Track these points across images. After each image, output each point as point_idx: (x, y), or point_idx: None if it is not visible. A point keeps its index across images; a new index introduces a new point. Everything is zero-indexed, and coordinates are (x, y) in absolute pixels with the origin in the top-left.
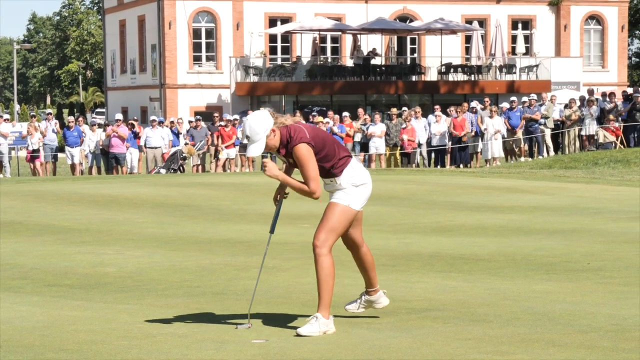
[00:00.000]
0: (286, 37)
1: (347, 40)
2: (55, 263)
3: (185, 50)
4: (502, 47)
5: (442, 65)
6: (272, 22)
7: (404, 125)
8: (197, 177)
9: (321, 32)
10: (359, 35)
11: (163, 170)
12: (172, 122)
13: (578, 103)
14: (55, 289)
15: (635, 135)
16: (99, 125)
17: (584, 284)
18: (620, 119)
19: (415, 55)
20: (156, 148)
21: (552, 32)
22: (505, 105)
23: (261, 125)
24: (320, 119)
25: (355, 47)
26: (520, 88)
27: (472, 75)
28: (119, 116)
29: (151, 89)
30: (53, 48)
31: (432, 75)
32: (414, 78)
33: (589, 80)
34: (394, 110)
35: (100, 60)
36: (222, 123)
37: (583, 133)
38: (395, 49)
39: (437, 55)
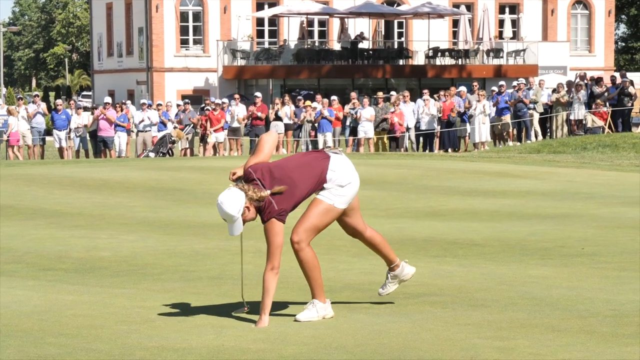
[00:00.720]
0: (273, 20)
1: (335, 24)
2: (49, 247)
3: (172, 34)
4: (490, 31)
5: (429, 49)
6: (260, 6)
7: (392, 109)
8: (187, 161)
9: (308, 16)
10: (346, 19)
11: (152, 154)
12: (159, 105)
13: (566, 87)
14: (50, 273)
15: (623, 120)
16: (85, 109)
17: (579, 269)
18: (608, 103)
19: (403, 39)
20: (146, 132)
21: (539, 16)
22: (494, 89)
23: (233, 207)
24: (308, 102)
25: (343, 30)
26: (508, 72)
27: (460, 60)
28: (108, 99)
29: (138, 72)
30: (39, 31)
31: (419, 60)
32: (401, 62)
33: (576, 65)
34: (380, 94)
35: (86, 43)
36: (211, 107)
37: (571, 117)
38: (383, 33)
39: (424, 39)
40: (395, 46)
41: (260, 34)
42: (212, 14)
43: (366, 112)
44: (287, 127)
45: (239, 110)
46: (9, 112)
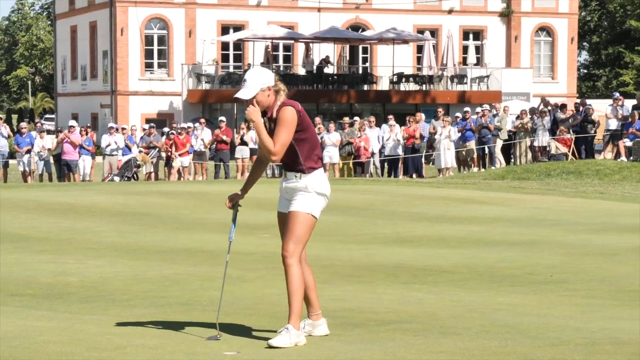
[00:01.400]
0: (238, 44)
1: (300, 49)
2: (16, 272)
3: (137, 57)
4: (454, 57)
5: (394, 75)
6: (225, 30)
7: (358, 134)
8: (154, 185)
9: (274, 40)
10: (311, 44)
11: (117, 178)
12: (124, 129)
13: (529, 114)
14: (18, 298)
15: (586, 147)
16: (48, 132)
17: (548, 296)
18: (572, 130)
19: (367, 64)
20: (112, 156)
21: (503, 43)
22: (458, 115)
23: (261, 76)
24: None
25: (307, 55)
26: (471, 98)
27: (424, 85)
28: (73, 123)
29: (102, 96)
30: (1, 53)
31: (384, 85)
32: (365, 87)
33: (539, 92)
34: (347, 119)
35: (49, 66)
36: (176, 131)
37: (535, 144)
38: (348, 58)
39: (389, 64)
40: (360, 71)
41: (225, 58)
42: (177, 37)
43: (332, 137)
44: (252, 152)
45: (205, 134)
46: None
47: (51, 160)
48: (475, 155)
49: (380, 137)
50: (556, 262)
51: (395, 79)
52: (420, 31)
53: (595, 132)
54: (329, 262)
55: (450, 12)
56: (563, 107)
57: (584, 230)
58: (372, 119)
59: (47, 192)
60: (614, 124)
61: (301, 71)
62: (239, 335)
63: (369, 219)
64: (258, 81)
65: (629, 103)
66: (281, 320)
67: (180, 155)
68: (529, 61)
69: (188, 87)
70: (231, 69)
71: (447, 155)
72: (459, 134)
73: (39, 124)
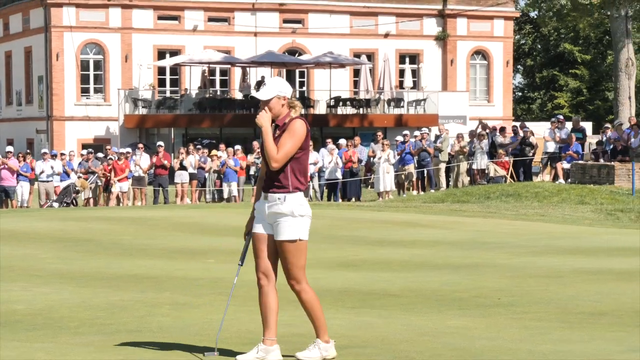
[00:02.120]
0: (175, 69)
1: (237, 73)
2: None
3: (72, 82)
4: (390, 80)
5: (331, 99)
6: (161, 55)
7: None
8: (93, 211)
9: (210, 65)
10: (248, 68)
11: (56, 204)
12: (62, 155)
13: (468, 137)
14: None
15: (524, 169)
16: None
17: (497, 319)
18: (510, 152)
19: (305, 88)
20: (49, 182)
21: (439, 66)
22: (398, 138)
23: (281, 85)
24: (215, 152)
25: (244, 79)
26: (409, 122)
27: (361, 109)
28: (10, 148)
29: (38, 121)
30: None
31: (321, 109)
32: (302, 111)
33: (476, 115)
34: None
35: None
36: (114, 157)
37: (474, 167)
38: None
39: (326, 88)
40: (297, 95)
41: (161, 82)
42: (113, 62)
43: None
44: (192, 177)
45: (143, 159)
46: None
47: None
48: (414, 179)
49: (320, 161)
50: (502, 284)
51: (332, 103)
52: (357, 55)
53: (533, 154)
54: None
55: (386, 36)
56: (502, 130)
57: (526, 253)
58: (310, 143)
59: None
60: (551, 147)
61: (238, 95)
62: None
63: (312, 243)
64: (277, 87)
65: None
66: (231, 346)
67: (119, 180)
68: (465, 84)
69: (125, 112)
70: (168, 94)
71: (386, 178)
72: (398, 157)
73: None
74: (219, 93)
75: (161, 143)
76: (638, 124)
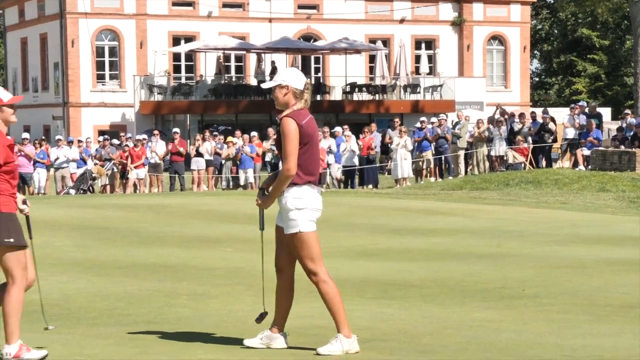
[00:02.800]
0: (190, 55)
1: (252, 60)
2: None
3: (88, 69)
4: (406, 66)
5: (346, 85)
6: (176, 41)
7: None
8: (110, 198)
9: (225, 51)
10: (263, 54)
11: (72, 191)
12: (79, 142)
13: (486, 123)
14: None
15: (544, 156)
16: None
17: (522, 311)
18: (529, 139)
19: (320, 74)
20: (64, 168)
21: (455, 52)
22: (417, 125)
23: (288, 75)
24: (230, 138)
25: (259, 65)
26: (425, 108)
27: (377, 95)
28: (26, 135)
29: (54, 108)
30: None
31: (336, 95)
32: (318, 97)
33: (493, 100)
34: None
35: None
36: (131, 143)
37: (492, 153)
38: (300, 69)
39: (341, 74)
40: (313, 81)
41: (177, 69)
42: (129, 49)
43: None
44: (208, 163)
45: (159, 146)
46: None
47: None
48: (432, 165)
49: (335, 147)
50: (527, 275)
51: (348, 89)
52: (372, 41)
53: (553, 141)
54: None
55: (402, 21)
56: (521, 116)
57: (549, 242)
58: (326, 129)
59: None
60: (571, 133)
61: (253, 82)
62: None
63: (330, 232)
64: (280, 77)
65: None
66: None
67: (135, 167)
68: (481, 70)
69: (140, 98)
70: (183, 80)
71: (403, 165)
72: (415, 144)
73: None
74: (234, 79)
75: (177, 130)
76: None
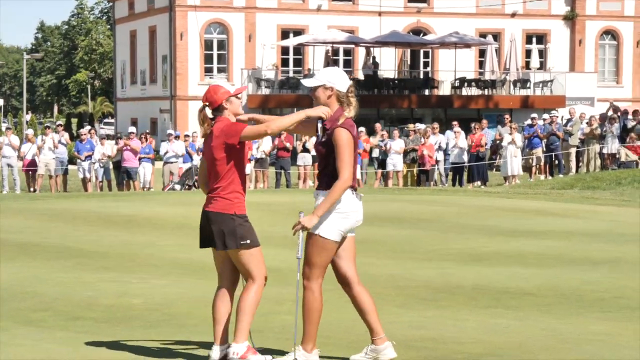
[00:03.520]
0: (298, 49)
1: (360, 53)
2: (78, 292)
3: (196, 62)
4: (517, 61)
5: (455, 80)
6: (285, 34)
7: (422, 141)
8: None
9: (334, 45)
10: (372, 48)
11: (178, 186)
12: (186, 136)
13: (599, 121)
14: (80, 323)
15: None
16: (109, 137)
17: None
18: None
19: (429, 69)
20: (173, 163)
21: (567, 46)
22: (528, 122)
23: (331, 75)
24: None
25: (366, 60)
26: (535, 103)
27: (486, 90)
28: (132, 129)
29: (161, 101)
30: (61, 57)
31: (445, 90)
32: (427, 92)
33: (604, 96)
34: (412, 126)
35: (108, 70)
36: None
37: (604, 151)
38: (409, 62)
39: (450, 69)
40: (421, 76)
41: (285, 62)
42: (237, 42)
43: (396, 144)
44: (314, 159)
45: (265, 141)
46: (27, 140)
47: (111, 166)
48: (542, 163)
49: (445, 144)
50: None
51: (457, 84)
52: (483, 35)
53: None
54: (404, 283)
55: (513, 15)
56: (635, 113)
57: None
58: (436, 125)
59: (107, 202)
60: None
61: (361, 76)
62: None
63: (439, 232)
64: (325, 77)
65: None
66: (360, 348)
67: None
68: (593, 65)
69: (248, 92)
70: (291, 74)
71: (513, 162)
72: (525, 141)
73: (92, 131)
74: None
75: None
76: None
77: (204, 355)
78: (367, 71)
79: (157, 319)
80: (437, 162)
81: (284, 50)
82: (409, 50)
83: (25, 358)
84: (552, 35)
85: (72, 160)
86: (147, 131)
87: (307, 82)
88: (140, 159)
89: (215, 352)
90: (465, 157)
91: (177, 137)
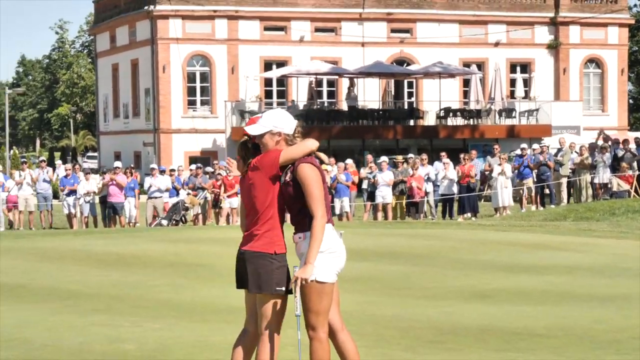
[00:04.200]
0: (282, 80)
1: (344, 84)
2: (68, 338)
3: (179, 95)
4: (501, 90)
5: (440, 110)
6: (268, 66)
7: (411, 172)
8: (204, 232)
9: (317, 76)
10: (356, 79)
11: (165, 222)
12: (172, 171)
13: (589, 150)
14: None
15: None
16: (92, 171)
17: None
18: (634, 166)
19: (413, 99)
20: (157, 198)
21: (552, 75)
22: (517, 152)
23: (279, 119)
24: (325, 166)
25: (350, 90)
26: (521, 132)
27: (472, 120)
28: (118, 164)
29: (145, 134)
30: (43, 91)
31: (430, 120)
32: (412, 122)
33: (590, 125)
34: (399, 157)
35: (90, 104)
36: (223, 172)
37: (596, 181)
38: (393, 93)
39: (435, 99)
40: (406, 106)
41: (268, 94)
42: (220, 74)
43: (385, 176)
44: None
45: None
46: (10, 175)
47: (97, 201)
48: (533, 194)
49: (434, 175)
50: None
51: (442, 114)
52: (467, 64)
53: None
54: (407, 324)
55: (496, 44)
56: (625, 142)
57: None
58: (424, 156)
59: (95, 240)
60: None
61: (345, 107)
62: None
63: (437, 268)
64: (271, 122)
65: None
66: None
67: (228, 196)
68: (578, 93)
69: (232, 124)
70: (275, 106)
71: (504, 193)
72: (515, 171)
73: (76, 167)
74: (326, 104)
75: None
76: None
77: None
78: (351, 102)
79: None
80: (426, 193)
81: (267, 82)
82: (392, 81)
83: None
84: (536, 64)
85: (56, 195)
86: (132, 165)
87: (251, 130)
88: (126, 193)
89: None
90: (455, 189)
91: (162, 172)
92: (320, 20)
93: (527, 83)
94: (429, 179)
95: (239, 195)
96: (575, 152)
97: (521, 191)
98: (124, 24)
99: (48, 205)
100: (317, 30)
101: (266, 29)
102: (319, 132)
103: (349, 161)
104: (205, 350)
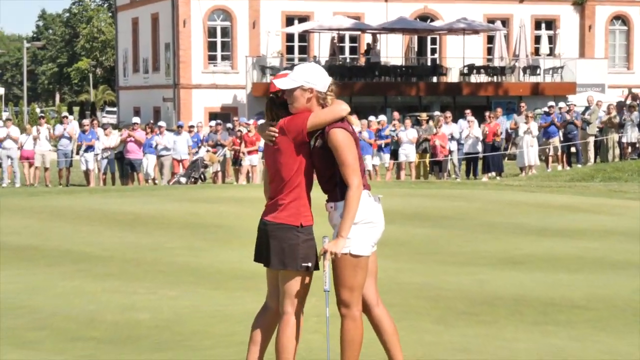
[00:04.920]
0: (303, 36)
1: (367, 40)
2: (78, 306)
3: (199, 50)
4: (526, 47)
5: (464, 66)
6: (289, 21)
7: (434, 131)
8: (224, 191)
9: (340, 32)
10: (378, 35)
11: (183, 179)
12: (190, 127)
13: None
14: (80, 344)
15: None
16: (113, 126)
17: None
18: None
19: (436, 55)
20: (164, 156)
21: (577, 32)
22: (545, 109)
23: (311, 74)
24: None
25: (372, 46)
26: (545, 90)
27: (495, 77)
28: (136, 119)
29: (164, 89)
30: (62, 45)
31: (453, 77)
32: (434, 79)
33: (614, 82)
34: (424, 115)
35: (110, 58)
36: (244, 129)
37: (624, 140)
38: (416, 49)
39: (459, 56)
40: (429, 63)
41: (290, 49)
42: (241, 29)
43: (408, 134)
44: None
45: None
46: (23, 130)
47: (114, 157)
48: (559, 153)
49: (457, 134)
50: None
51: (465, 71)
52: (491, 21)
53: None
54: (437, 293)
55: (521, 0)
56: None
57: None
58: (449, 114)
59: (111, 199)
60: None
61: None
62: None
63: (467, 232)
64: (302, 76)
65: None
66: None
67: (249, 152)
68: (603, 51)
69: (252, 80)
70: (296, 61)
71: (530, 152)
72: (541, 130)
73: (94, 122)
74: (348, 60)
75: None
76: None
77: None
78: (374, 58)
79: (167, 340)
80: (450, 152)
81: (289, 37)
82: (416, 37)
83: None
84: (561, 20)
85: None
86: (151, 121)
87: (281, 84)
88: (144, 149)
89: None
90: (480, 147)
91: (180, 128)
92: None
93: (551, 40)
94: (452, 138)
95: (260, 153)
96: (603, 110)
97: (547, 150)
98: None
99: (67, 162)
100: None
101: None
102: (340, 89)
103: (372, 118)
104: (223, 320)
